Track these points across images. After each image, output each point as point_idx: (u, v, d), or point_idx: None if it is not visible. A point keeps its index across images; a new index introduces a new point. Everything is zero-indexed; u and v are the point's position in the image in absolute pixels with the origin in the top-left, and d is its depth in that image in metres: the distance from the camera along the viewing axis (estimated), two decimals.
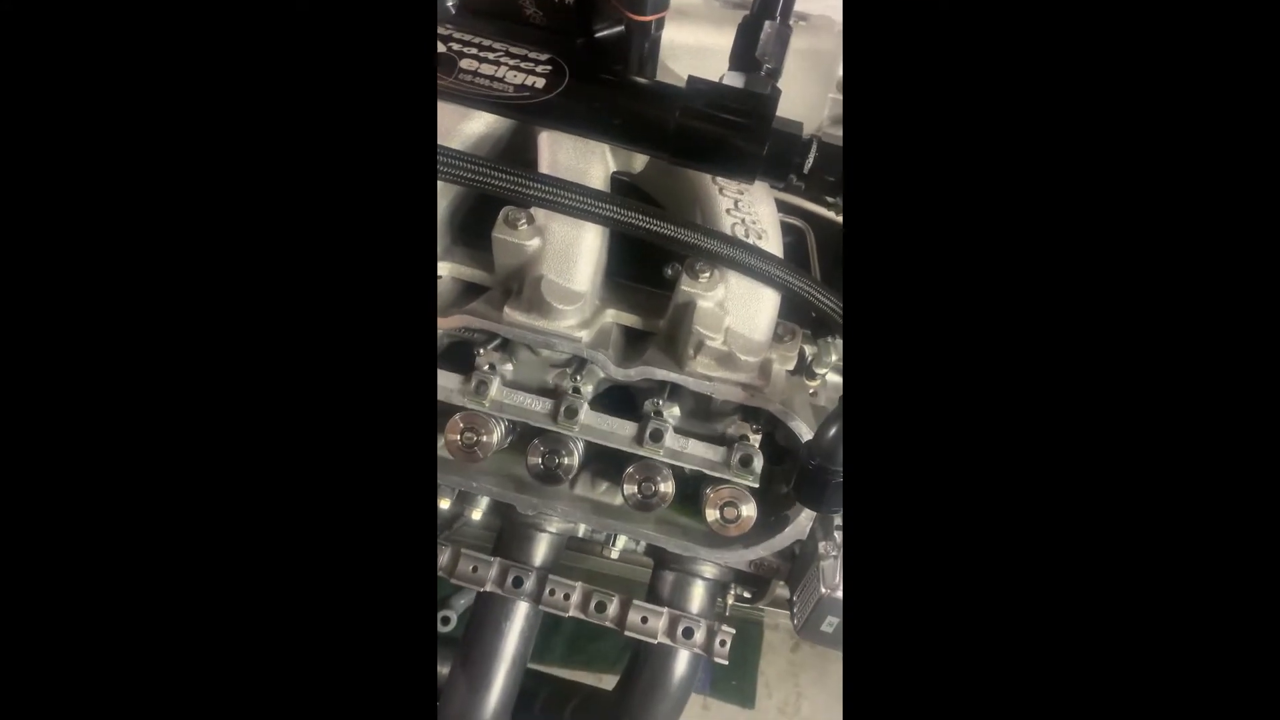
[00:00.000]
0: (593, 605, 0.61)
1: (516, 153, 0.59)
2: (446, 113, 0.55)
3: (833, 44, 0.67)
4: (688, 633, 0.60)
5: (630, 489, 0.58)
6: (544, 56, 0.44)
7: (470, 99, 0.43)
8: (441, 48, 0.42)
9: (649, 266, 0.67)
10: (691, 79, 0.40)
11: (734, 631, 0.61)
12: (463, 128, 0.54)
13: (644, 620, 0.60)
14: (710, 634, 0.61)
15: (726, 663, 0.60)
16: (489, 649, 0.62)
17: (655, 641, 0.60)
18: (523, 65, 0.42)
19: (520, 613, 0.63)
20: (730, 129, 0.40)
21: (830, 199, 0.61)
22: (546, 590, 0.61)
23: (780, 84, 0.45)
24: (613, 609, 0.61)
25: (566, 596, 0.61)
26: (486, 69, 0.42)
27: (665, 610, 0.61)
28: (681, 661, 0.62)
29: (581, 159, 0.54)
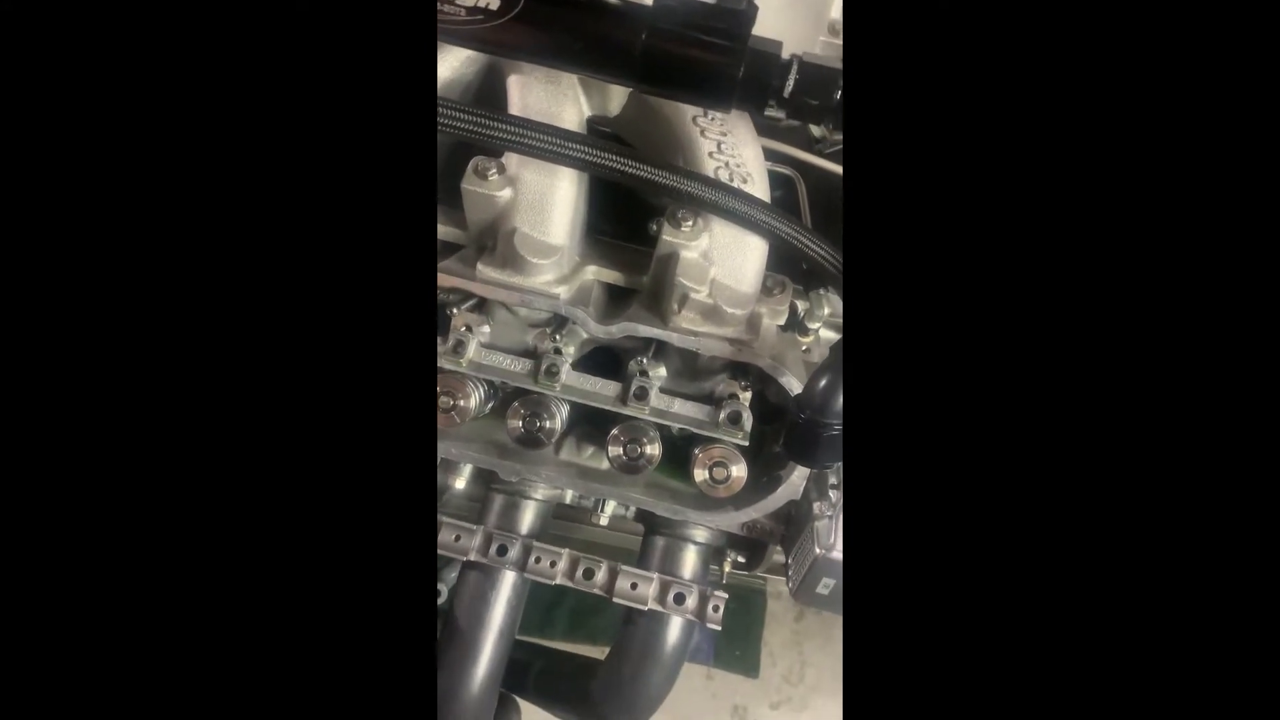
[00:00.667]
0: (580, 572, 0.59)
1: (485, 98, 0.55)
2: None
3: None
4: (679, 598, 0.58)
5: (615, 450, 0.55)
6: None
7: None
8: None
9: (633, 222, 0.64)
10: None
11: (726, 596, 0.59)
12: None
13: (634, 586, 0.58)
14: (703, 599, 0.58)
15: (719, 628, 0.58)
16: (475, 620, 0.60)
17: (646, 608, 0.58)
18: None
19: (507, 582, 0.61)
20: (702, 49, 0.36)
21: (818, 135, 0.58)
22: (532, 558, 0.59)
23: (764, 21, 0.42)
24: (601, 575, 0.59)
25: (553, 564, 0.59)
26: None
27: (655, 575, 0.59)
28: (674, 629, 0.60)
29: (553, 102, 0.51)
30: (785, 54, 0.40)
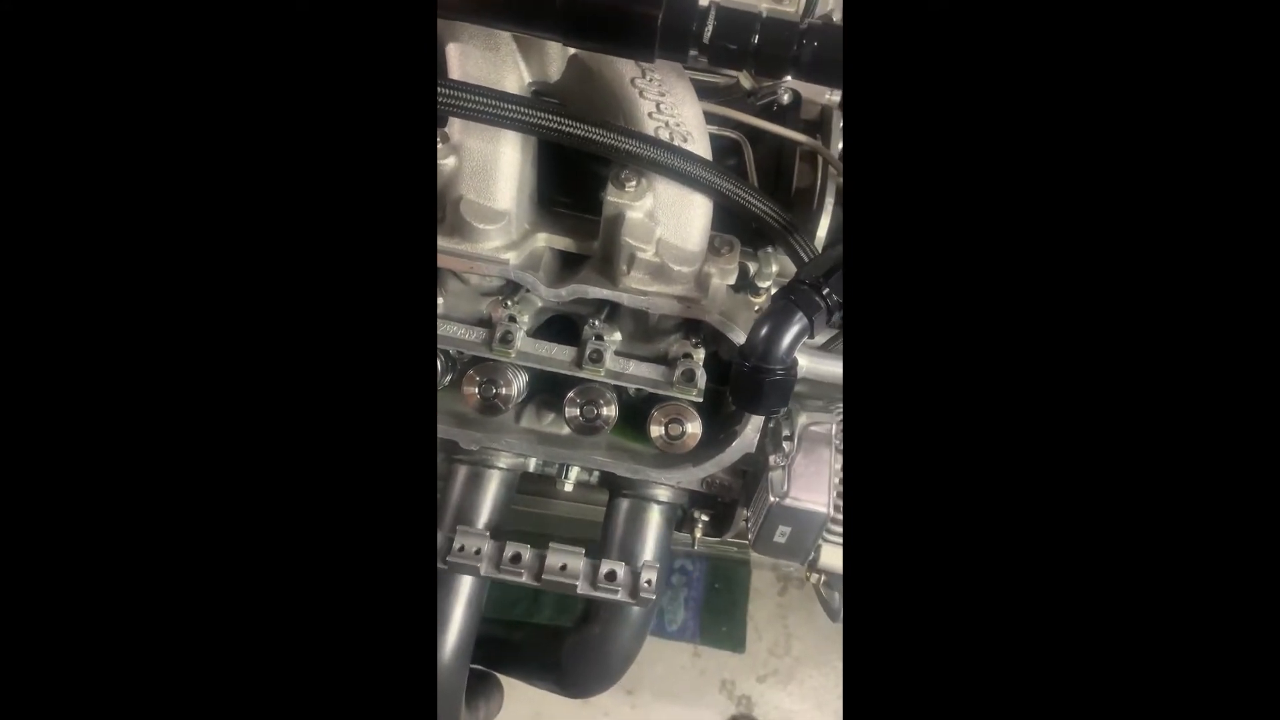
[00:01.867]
0: (506, 558, 0.55)
1: None
2: None
3: None
4: (609, 576, 0.55)
5: (573, 412, 0.56)
6: None
7: None
8: None
9: (586, 193, 0.65)
10: None
11: (657, 566, 0.56)
12: None
13: (563, 567, 0.55)
14: (633, 575, 0.55)
15: (654, 597, 0.54)
16: (442, 589, 0.60)
17: (577, 594, 0.55)
18: None
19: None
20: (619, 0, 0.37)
21: (748, 88, 0.59)
22: (456, 547, 0.55)
23: None
24: (528, 558, 0.55)
25: (477, 552, 0.55)
26: None
27: (582, 555, 0.56)
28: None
29: (493, 69, 0.51)
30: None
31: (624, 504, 0.64)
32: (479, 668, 0.77)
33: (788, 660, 1.56)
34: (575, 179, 0.63)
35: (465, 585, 0.61)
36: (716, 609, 1.57)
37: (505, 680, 0.84)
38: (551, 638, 0.73)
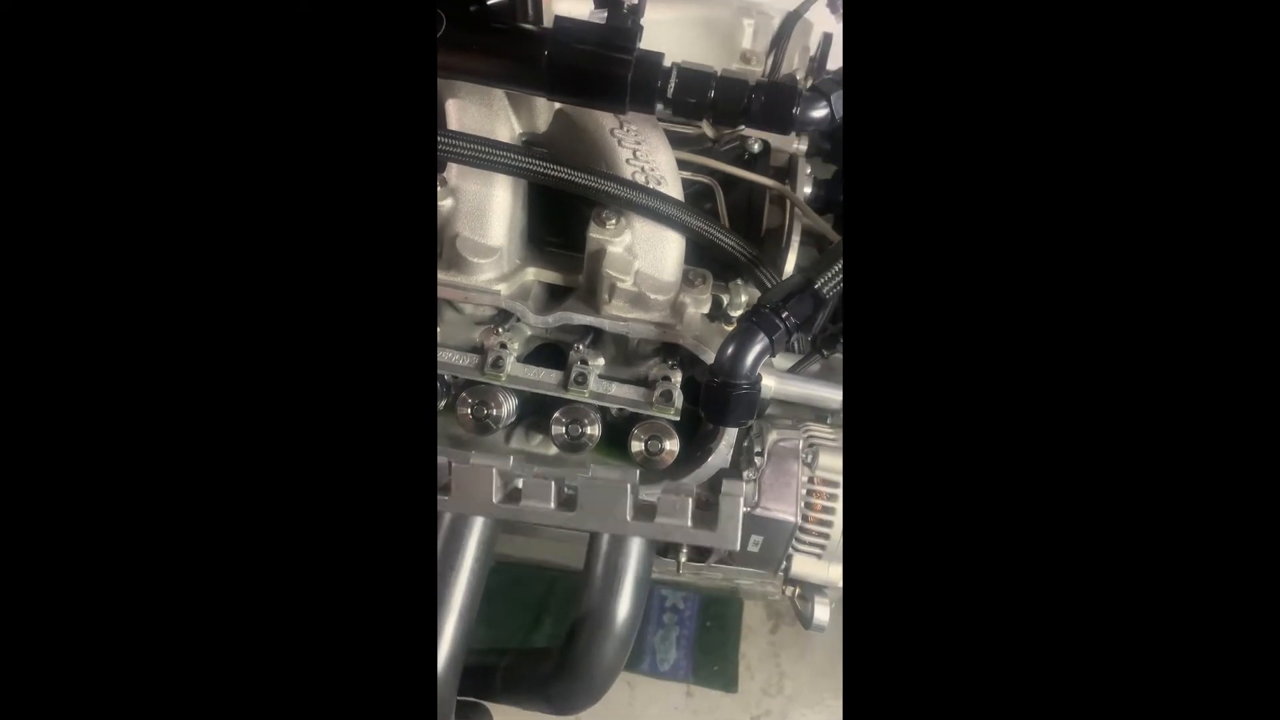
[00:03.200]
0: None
1: None
2: None
3: (729, 15, 0.72)
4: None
5: (558, 430, 0.60)
6: None
7: None
8: None
9: (573, 233, 0.71)
10: (558, 18, 0.44)
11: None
12: None
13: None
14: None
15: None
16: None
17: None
18: None
19: (465, 562, 0.65)
20: (596, 60, 0.43)
21: (712, 136, 0.65)
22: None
23: (680, 53, 0.49)
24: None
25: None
26: None
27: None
28: (624, 599, 0.64)
29: (487, 121, 0.58)
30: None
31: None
32: (468, 699, 0.78)
33: (780, 700, 1.55)
34: (563, 220, 0.69)
35: (457, 596, 0.64)
36: (708, 647, 1.57)
37: (494, 709, 0.85)
38: (541, 658, 0.75)
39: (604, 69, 0.44)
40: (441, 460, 0.55)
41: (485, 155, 0.53)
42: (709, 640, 1.58)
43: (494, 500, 0.55)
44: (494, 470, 0.53)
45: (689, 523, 0.53)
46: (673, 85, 0.45)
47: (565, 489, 0.53)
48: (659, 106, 0.45)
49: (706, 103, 0.44)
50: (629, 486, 0.51)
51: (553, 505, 0.54)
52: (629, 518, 0.53)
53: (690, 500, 0.52)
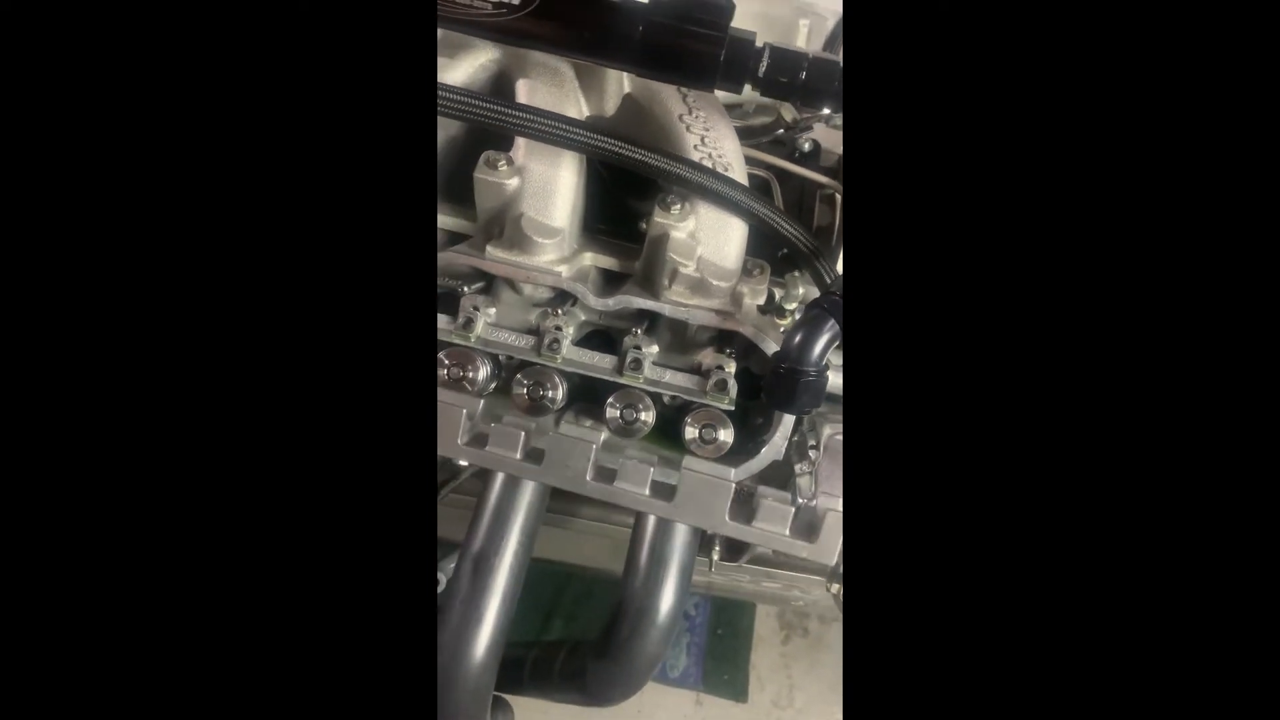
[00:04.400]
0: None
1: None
2: None
3: (788, 12, 0.73)
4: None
5: (613, 414, 0.60)
6: None
7: (451, 22, 0.46)
8: None
9: (625, 222, 0.71)
10: None
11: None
12: (445, 75, 0.58)
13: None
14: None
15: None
16: (479, 590, 0.63)
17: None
18: None
19: (509, 550, 0.64)
20: (691, 38, 0.44)
21: (789, 119, 0.66)
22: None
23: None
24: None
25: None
26: None
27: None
28: (668, 593, 0.63)
29: (558, 100, 0.58)
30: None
31: (652, 517, 0.66)
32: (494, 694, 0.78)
33: (790, 712, 1.53)
34: (615, 210, 0.69)
35: (500, 582, 0.63)
36: (719, 655, 1.55)
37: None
38: (574, 650, 0.74)
39: (698, 46, 0.44)
40: (522, 430, 0.54)
41: (560, 132, 0.53)
42: (720, 648, 1.57)
43: (587, 477, 0.54)
44: (592, 446, 0.52)
45: (787, 531, 0.52)
46: (764, 65, 0.45)
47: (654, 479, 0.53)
48: (747, 87, 0.45)
49: (797, 84, 0.44)
50: (730, 486, 0.50)
51: (647, 492, 0.54)
52: (726, 518, 0.53)
53: (792, 510, 0.51)
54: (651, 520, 0.66)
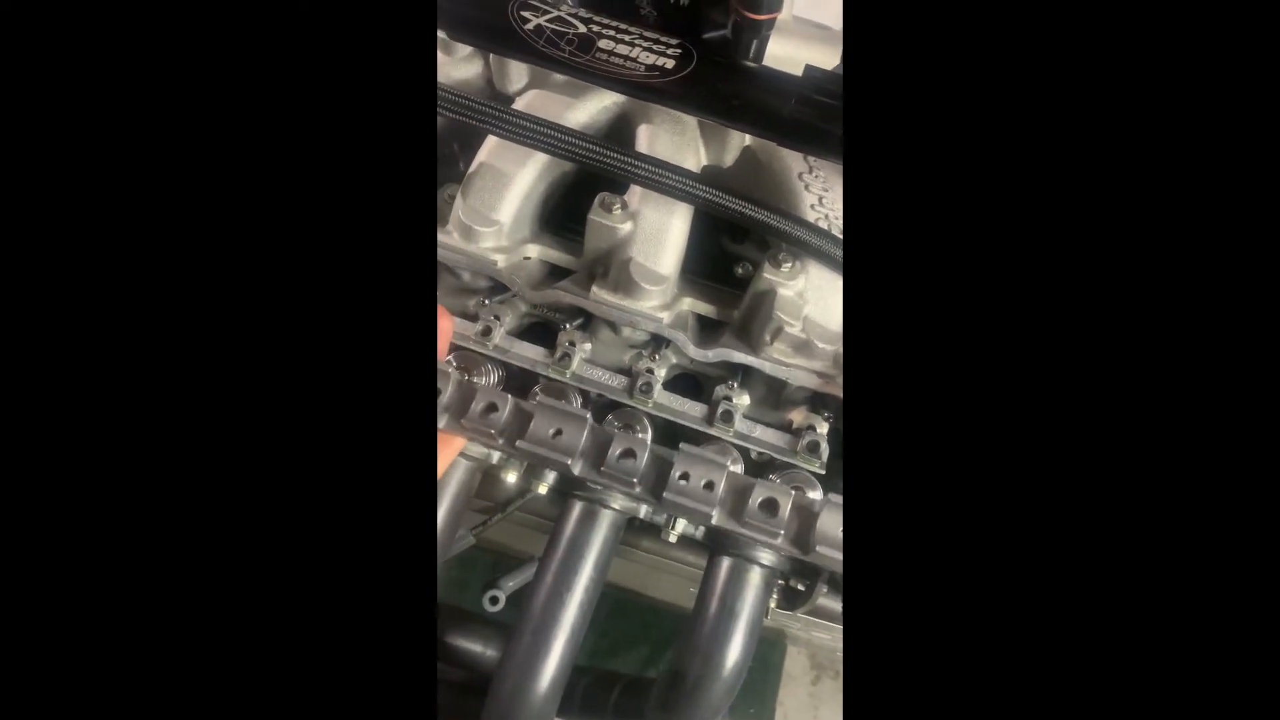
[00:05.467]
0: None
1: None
2: (553, 102, 0.60)
3: None
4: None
5: None
6: (674, 41, 0.48)
7: (602, 78, 0.47)
8: (582, 28, 0.46)
9: (720, 265, 0.71)
10: (808, 67, 0.44)
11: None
12: (568, 116, 0.59)
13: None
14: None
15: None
16: (548, 618, 0.63)
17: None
18: (654, 47, 0.46)
19: (581, 583, 0.64)
20: (838, 115, 0.43)
21: None
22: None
23: None
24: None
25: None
26: (622, 49, 0.46)
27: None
28: (735, 646, 0.63)
29: (677, 150, 0.58)
30: None
31: (725, 563, 0.66)
32: None
33: None
34: (710, 253, 0.69)
35: (571, 614, 0.63)
36: (747, 690, 1.53)
37: None
38: (628, 686, 0.74)
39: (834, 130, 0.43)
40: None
41: (681, 186, 0.53)
42: (748, 682, 1.55)
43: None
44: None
45: None
46: None
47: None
48: None
49: None
50: None
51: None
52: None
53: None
54: (725, 565, 0.66)
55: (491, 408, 0.39)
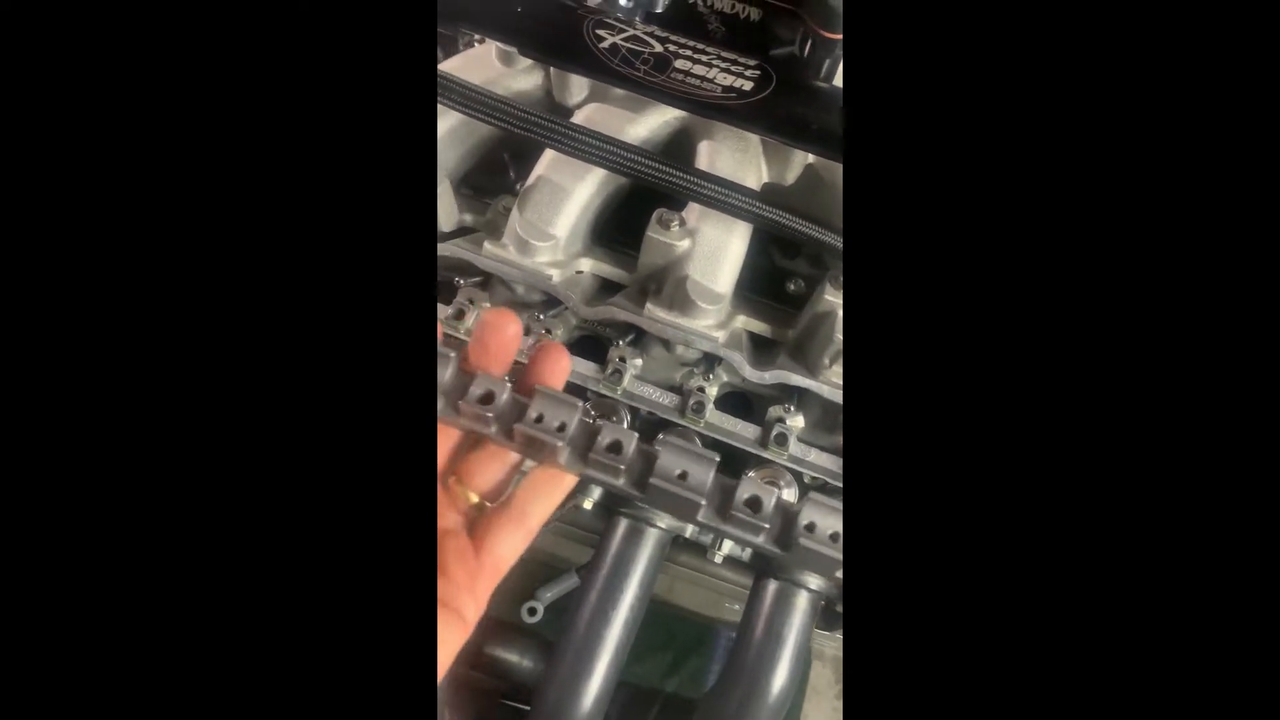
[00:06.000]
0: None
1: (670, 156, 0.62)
2: (614, 116, 0.59)
3: None
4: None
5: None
6: (752, 61, 0.47)
7: (677, 98, 0.46)
8: (658, 47, 0.45)
9: (771, 280, 0.69)
10: None
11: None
12: (629, 131, 0.58)
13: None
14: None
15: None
16: (593, 636, 0.62)
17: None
18: (732, 68, 0.45)
19: (626, 601, 0.64)
20: None
21: None
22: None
23: None
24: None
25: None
26: (699, 70, 0.45)
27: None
28: (781, 671, 0.62)
29: (739, 166, 0.57)
30: None
31: (772, 586, 0.65)
32: None
33: None
34: (763, 269, 0.68)
35: (616, 630, 0.63)
36: None
37: None
38: (665, 709, 0.73)
39: None
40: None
41: (742, 204, 0.51)
42: None
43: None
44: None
45: None
46: None
47: None
48: None
49: None
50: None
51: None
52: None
53: None
54: (772, 589, 0.64)
55: (617, 446, 0.38)
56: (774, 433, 0.59)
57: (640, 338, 0.63)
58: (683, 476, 0.37)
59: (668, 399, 0.61)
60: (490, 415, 0.37)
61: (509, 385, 0.38)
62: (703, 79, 0.44)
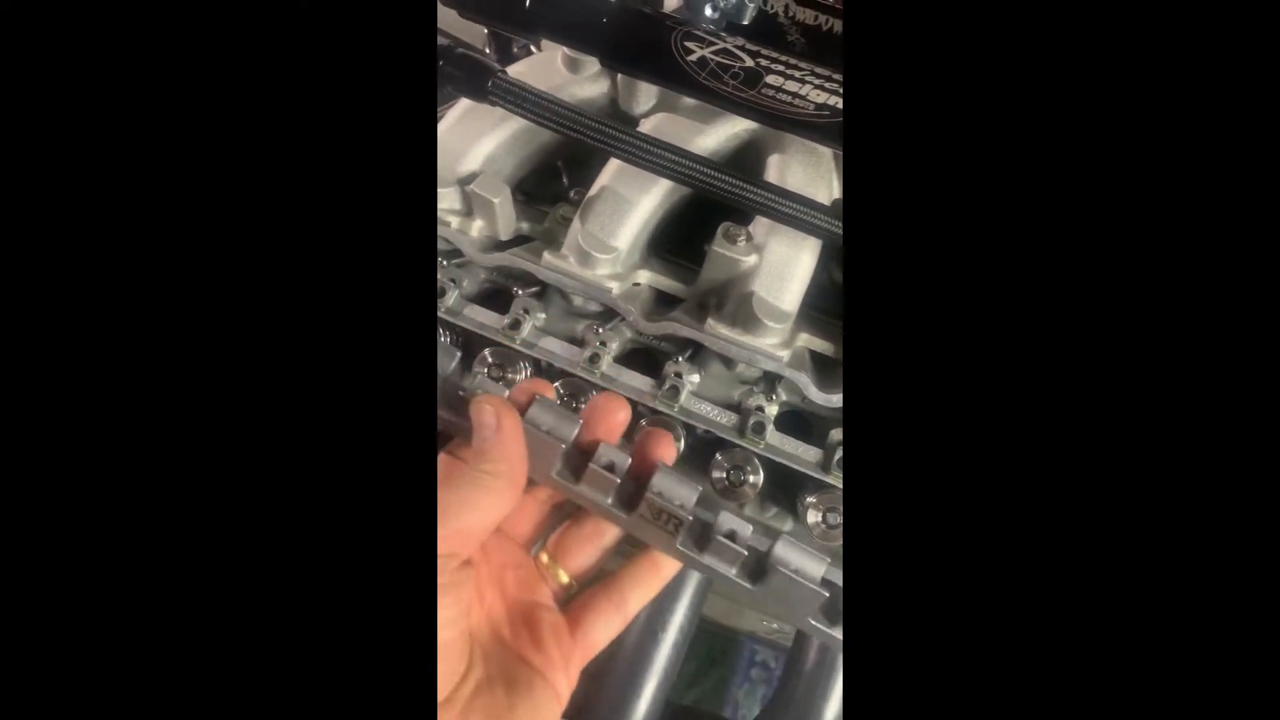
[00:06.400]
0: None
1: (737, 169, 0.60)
2: (682, 126, 0.57)
3: None
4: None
5: (815, 518, 0.57)
6: (840, 77, 0.45)
7: (766, 114, 0.44)
8: (749, 61, 0.44)
9: (828, 296, 0.67)
10: None
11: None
12: (698, 142, 0.56)
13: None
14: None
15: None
16: (641, 658, 0.61)
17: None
18: (827, 85, 0.43)
19: (675, 623, 0.62)
20: None
21: None
22: None
23: None
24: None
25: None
26: (791, 85, 0.43)
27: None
28: (835, 702, 0.60)
29: (810, 181, 0.55)
30: None
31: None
32: None
33: None
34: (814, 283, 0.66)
35: (665, 651, 0.61)
36: None
37: None
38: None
39: None
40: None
41: (818, 221, 0.50)
42: None
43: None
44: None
45: None
46: None
47: None
48: None
49: None
50: (820, 597, 0.44)
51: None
52: (811, 620, 0.47)
53: None
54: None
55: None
56: (836, 457, 0.57)
57: (698, 353, 0.61)
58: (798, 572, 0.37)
59: (725, 417, 0.59)
60: (616, 481, 0.37)
61: (629, 458, 0.38)
62: (794, 95, 0.43)
